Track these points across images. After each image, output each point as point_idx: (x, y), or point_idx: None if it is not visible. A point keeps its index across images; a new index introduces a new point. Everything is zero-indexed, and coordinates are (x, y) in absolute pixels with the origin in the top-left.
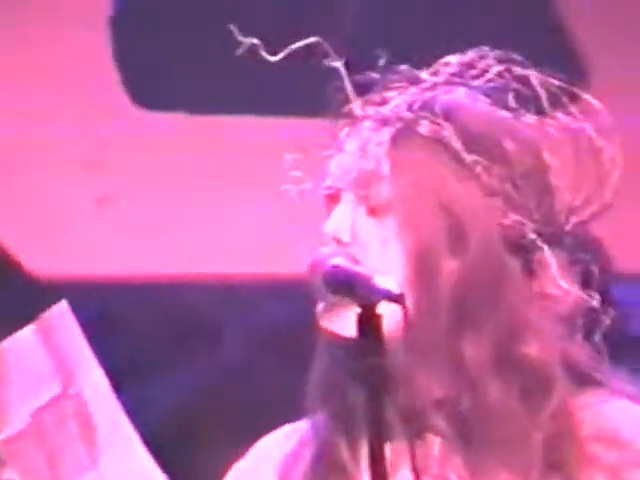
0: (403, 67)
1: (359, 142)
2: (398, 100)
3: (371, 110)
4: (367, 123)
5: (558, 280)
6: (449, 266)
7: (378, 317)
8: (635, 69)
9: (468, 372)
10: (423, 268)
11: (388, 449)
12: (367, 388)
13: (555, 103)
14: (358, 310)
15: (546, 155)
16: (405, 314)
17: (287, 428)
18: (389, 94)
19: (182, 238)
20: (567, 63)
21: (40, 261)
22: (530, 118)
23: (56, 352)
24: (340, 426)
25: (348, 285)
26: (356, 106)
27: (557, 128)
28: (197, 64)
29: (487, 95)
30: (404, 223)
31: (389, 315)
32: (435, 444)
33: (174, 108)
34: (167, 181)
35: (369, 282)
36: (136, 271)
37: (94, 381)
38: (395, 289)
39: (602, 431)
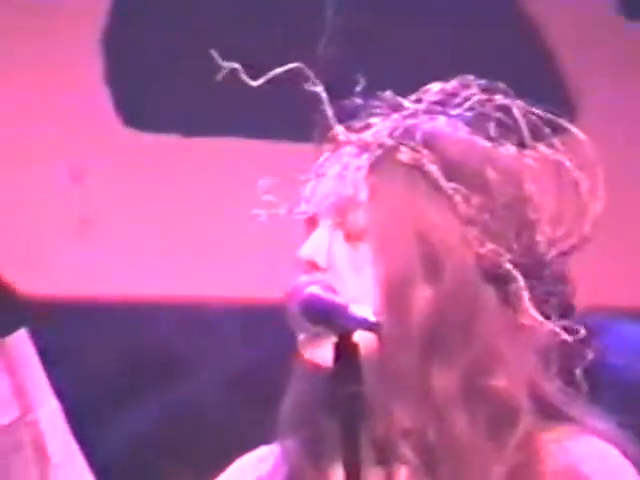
0: (386, 93)
1: (339, 167)
2: (380, 126)
3: (353, 136)
4: (348, 149)
5: (531, 312)
6: (422, 295)
7: (355, 346)
8: (622, 100)
9: (435, 402)
10: (396, 296)
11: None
12: (344, 416)
13: (537, 134)
14: (334, 339)
15: (527, 186)
16: (381, 342)
17: (263, 450)
18: (371, 120)
19: (161, 262)
20: (555, 93)
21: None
22: (510, 148)
23: (15, 377)
24: (310, 454)
25: (325, 314)
26: (339, 131)
27: (536, 159)
28: (189, 86)
29: (469, 124)
30: (378, 250)
31: (362, 343)
32: (402, 473)
33: (165, 130)
34: (150, 204)
35: (346, 311)
36: (111, 293)
37: (50, 410)
38: (372, 318)
39: (565, 467)
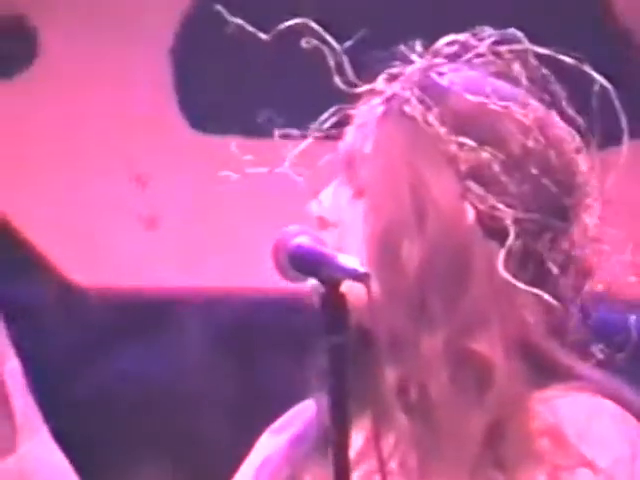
0: (404, 46)
1: (360, 118)
2: (396, 78)
3: (379, 84)
4: (375, 100)
5: (531, 268)
6: (412, 252)
7: (342, 296)
8: None
9: (418, 360)
10: (385, 252)
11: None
12: (330, 367)
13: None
14: (322, 289)
15: (548, 139)
16: (369, 294)
17: (304, 404)
18: (389, 73)
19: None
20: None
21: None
22: (498, 103)
23: None
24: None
25: (312, 264)
26: (378, 82)
27: (525, 117)
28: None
29: (487, 75)
30: (372, 205)
31: (353, 298)
32: (394, 433)
33: (229, 132)
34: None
35: (333, 261)
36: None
37: (12, 368)
38: (360, 268)
39: (549, 427)
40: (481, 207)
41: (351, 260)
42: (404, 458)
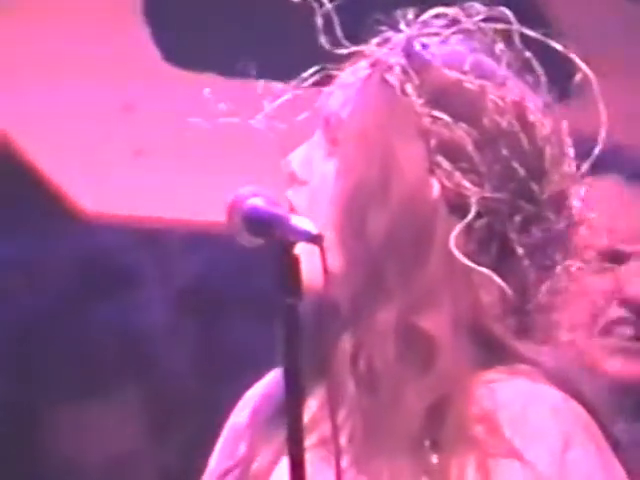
0: (395, 15)
1: (340, 82)
2: (384, 46)
3: (367, 48)
4: (361, 63)
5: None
6: (376, 219)
7: (296, 258)
8: None
9: (370, 334)
10: (351, 216)
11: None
12: (283, 327)
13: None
14: (276, 251)
15: (530, 116)
16: (323, 257)
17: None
18: (384, 37)
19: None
20: None
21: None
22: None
23: None
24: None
25: (265, 225)
26: (369, 45)
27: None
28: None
29: (473, 50)
30: (342, 169)
31: (311, 265)
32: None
33: (206, 68)
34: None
35: (287, 222)
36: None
37: None
38: (313, 230)
39: (485, 413)
40: (447, 183)
41: (305, 222)
42: (353, 429)
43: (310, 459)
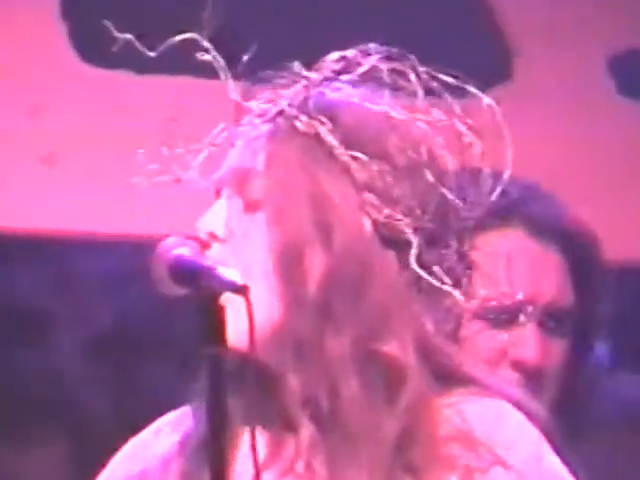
0: (287, 64)
1: (242, 138)
2: (281, 96)
3: (255, 104)
4: (248, 118)
5: (431, 277)
6: (316, 261)
7: (221, 308)
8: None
9: (328, 368)
10: (290, 262)
11: (258, 442)
12: (209, 377)
13: (436, 98)
14: (201, 301)
15: (428, 151)
16: (249, 307)
17: (179, 412)
18: (273, 91)
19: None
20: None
21: None
22: (401, 112)
23: None
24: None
25: (191, 276)
26: (258, 103)
27: (428, 123)
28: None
29: (369, 91)
30: (273, 218)
31: (259, 310)
32: (301, 439)
33: (120, 67)
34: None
35: (212, 273)
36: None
37: None
38: (238, 280)
39: (459, 431)
40: (378, 217)
41: (230, 272)
42: (311, 465)
43: None
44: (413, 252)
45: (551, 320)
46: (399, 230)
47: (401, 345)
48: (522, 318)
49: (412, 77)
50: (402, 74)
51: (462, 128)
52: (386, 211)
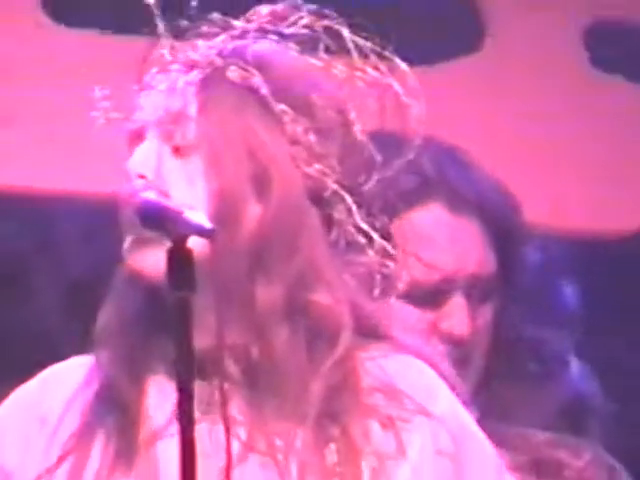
0: (214, 14)
1: (168, 82)
2: (208, 46)
3: (181, 55)
4: (176, 66)
5: (354, 233)
6: (252, 210)
7: (189, 251)
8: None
9: (258, 316)
10: (226, 210)
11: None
12: (175, 322)
13: (365, 58)
14: (169, 244)
15: (351, 112)
16: (212, 253)
17: (77, 359)
18: (200, 40)
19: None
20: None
21: None
22: (341, 69)
23: None
24: (125, 365)
25: (159, 219)
26: (165, 51)
27: (365, 81)
28: None
29: (298, 45)
30: (210, 165)
31: (196, 251)
32: (224, 386)
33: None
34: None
35: (180, 216)
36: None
37: None
38: (207, 224)
39: (382, 383)
40: (308, 171)
41: (198, 216)
42: (247, 411)
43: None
44: (352, 207)
45: (476, 290)
46: (324, 186)
47: (334, 296)
48: (448, 293)
49: (345, 35)
50: (335, 32)
51: (400, 89)
52: (316, 166)
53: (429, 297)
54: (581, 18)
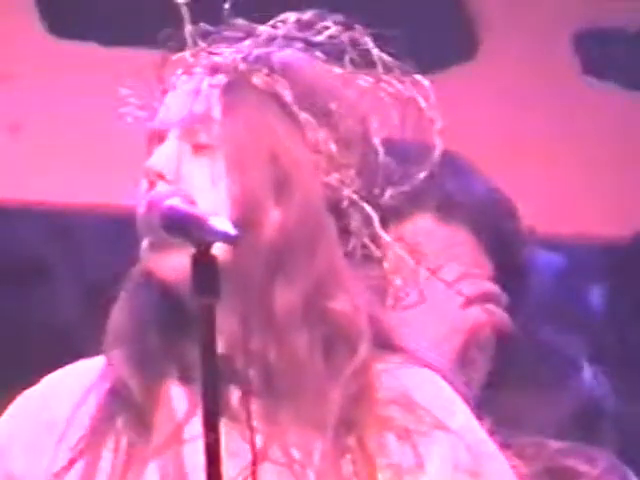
0: (240, 20)
1: (193, 84)
2: (234, 51)
3: (205, 59)
4: (200, 69)
5: (370, 243)
6: (272, 215)
7: (213, 258)
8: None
9: (277, 322)
10: (248, 214)
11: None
12: (201, 327)
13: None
14: (193, 251)
15: (372, 124)
16: (237, 254)
17: (83, 363)
18: (225, 45)
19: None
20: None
21: None
22: (366, 80)
23: None
24: (136, 366)
25: (184, 226)
26: (189, 54)
27: (389, 94)
28: None
29: (323, 55)
30: (232, 167)
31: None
32: (239, 391)
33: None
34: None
35: (205, 223)
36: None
37: None
38: (231, 231)
39: (398, 395)
40: (328, 179)
41: (222, 222)
42: (258, 420)
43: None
44: (372, 218)
45: None
46: (342, 196)
47: (353, 305)
48: None
49: (371, 47)
50: (360, 44)
51: (424, 103)
52: (335, 175)
53: None
54: (573, 24)
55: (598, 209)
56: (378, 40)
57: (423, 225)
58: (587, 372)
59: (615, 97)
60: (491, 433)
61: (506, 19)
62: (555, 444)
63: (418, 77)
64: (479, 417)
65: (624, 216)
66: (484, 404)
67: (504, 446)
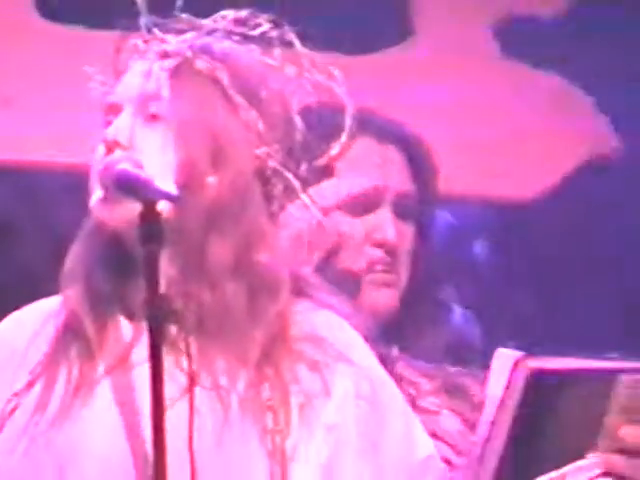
0: (185, 15)
1: (146, 66)
2: (181, 40)
3: (156, 45)
4: (151, 54)
5: (301, 202)
6: (209, 180)
7: (158, 214)
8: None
9: (210, 270)
10: (189, 178)
11: (130, 328)
12: (146, 271)
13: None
14: (141, 207)
15: (294, 107)
16: (178, 211)
17: (43, 301)
18: (173, 34)
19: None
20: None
21: None
22: (291, 69)
23: None
24: (88, 302)
25: (133, 187)
26: (139, 41)
27: (311, 82)
28: None
29: (255, 47)
30: (178, 139)
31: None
32: (176, 327)
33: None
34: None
35: (151, 185)
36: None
37: None
38: (174, 191)
39: (308, 333)
40: (256, 152)
41: (166, 184)
42: (193, 351)
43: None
44: (296, 185)
45: (400, 208)
46: (268, 166)
47: (275, 257)
48: (377, 205)
49: (296, 44)
50: (287, 40)
51: (339, 90)
52: (263, 149)
53: (363, 207)
54: (495, 14)
55: (502, 172)
56: (302, 35)
57: (367, 144)
58: (457, 313)
59: (526, 75)
60: (398, 358)
61: (436, 5)
62: (452, 368)
63: (332, 69)
64: (388, 345)
65: (526, 180)
66: (391, 336)
67: (412, 368)
